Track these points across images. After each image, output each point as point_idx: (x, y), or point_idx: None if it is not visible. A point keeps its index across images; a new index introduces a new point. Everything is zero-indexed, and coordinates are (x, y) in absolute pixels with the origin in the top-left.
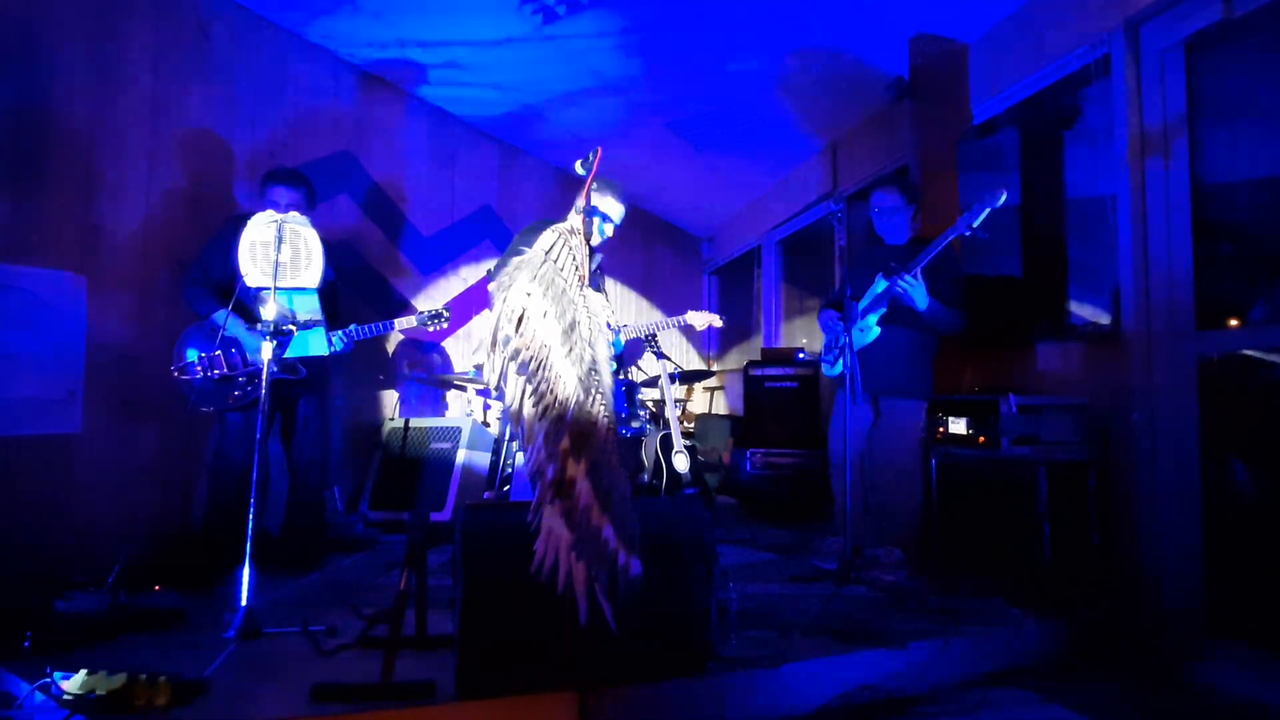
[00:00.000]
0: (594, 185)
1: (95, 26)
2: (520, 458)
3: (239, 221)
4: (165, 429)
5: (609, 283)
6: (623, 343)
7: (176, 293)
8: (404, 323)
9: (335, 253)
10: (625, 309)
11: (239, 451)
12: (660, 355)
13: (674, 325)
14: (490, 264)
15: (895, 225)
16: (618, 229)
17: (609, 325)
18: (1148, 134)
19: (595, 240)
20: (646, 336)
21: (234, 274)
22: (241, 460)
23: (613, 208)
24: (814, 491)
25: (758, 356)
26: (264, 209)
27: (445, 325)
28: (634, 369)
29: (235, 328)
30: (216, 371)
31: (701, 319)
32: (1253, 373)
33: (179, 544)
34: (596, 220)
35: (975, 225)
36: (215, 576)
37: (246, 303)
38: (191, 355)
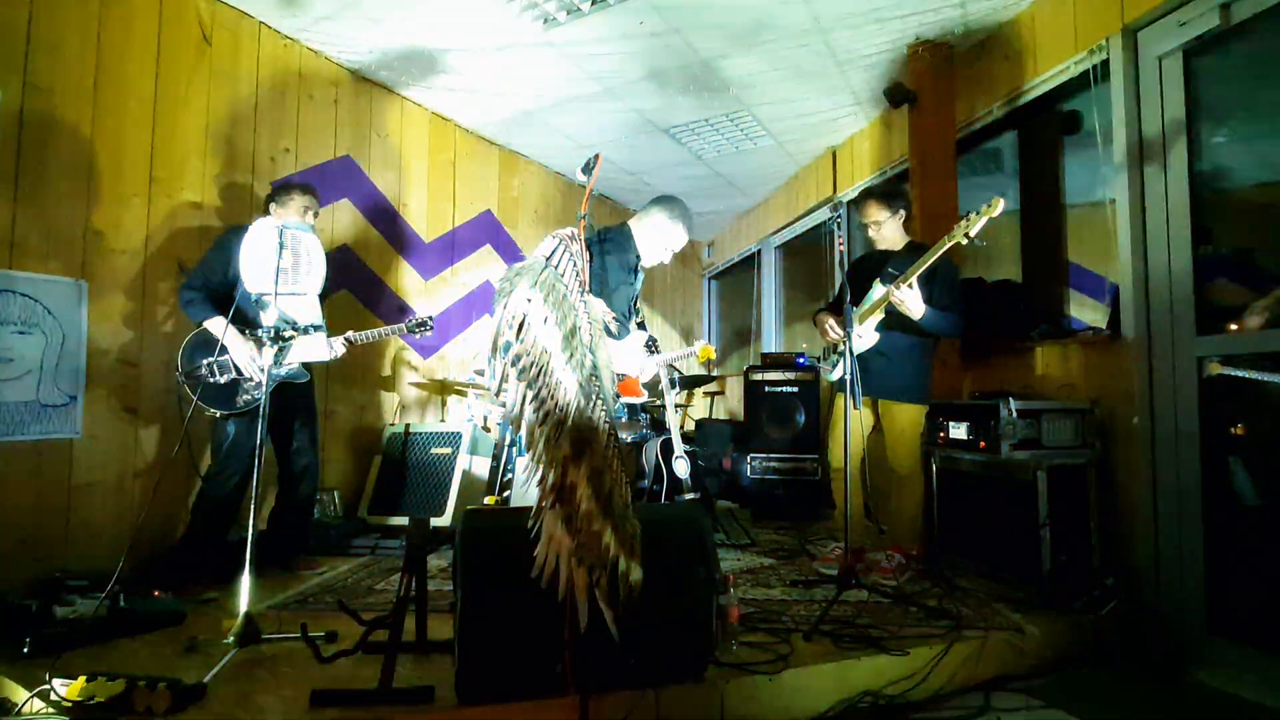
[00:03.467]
0: (656, 206)
1: (97, 32)
2: (521, 463)
3: (234, 232)
4: (165, 434)
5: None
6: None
7: (176, 299)
8: (385, 331)
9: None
10: None
11: (242, 457)
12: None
13: (688, 356)
14: (491, 269)
15: (884, 234)
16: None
17: (651, 343)
18: (1146, 139)
19: (646, 262)
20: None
21: (234, 282)
22: (244, 467)
23: (675, 234)
24: (814, 496)
25: (757, 361)
26: (284, 219)
27: (430, 333)
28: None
29: (228, 335)
30: (225, 376)
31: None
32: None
33: (177, 549)
34: (657, 245)
35: (972, 233)
36: (206, 579)
37: (245, 310)
38: (199, 360)
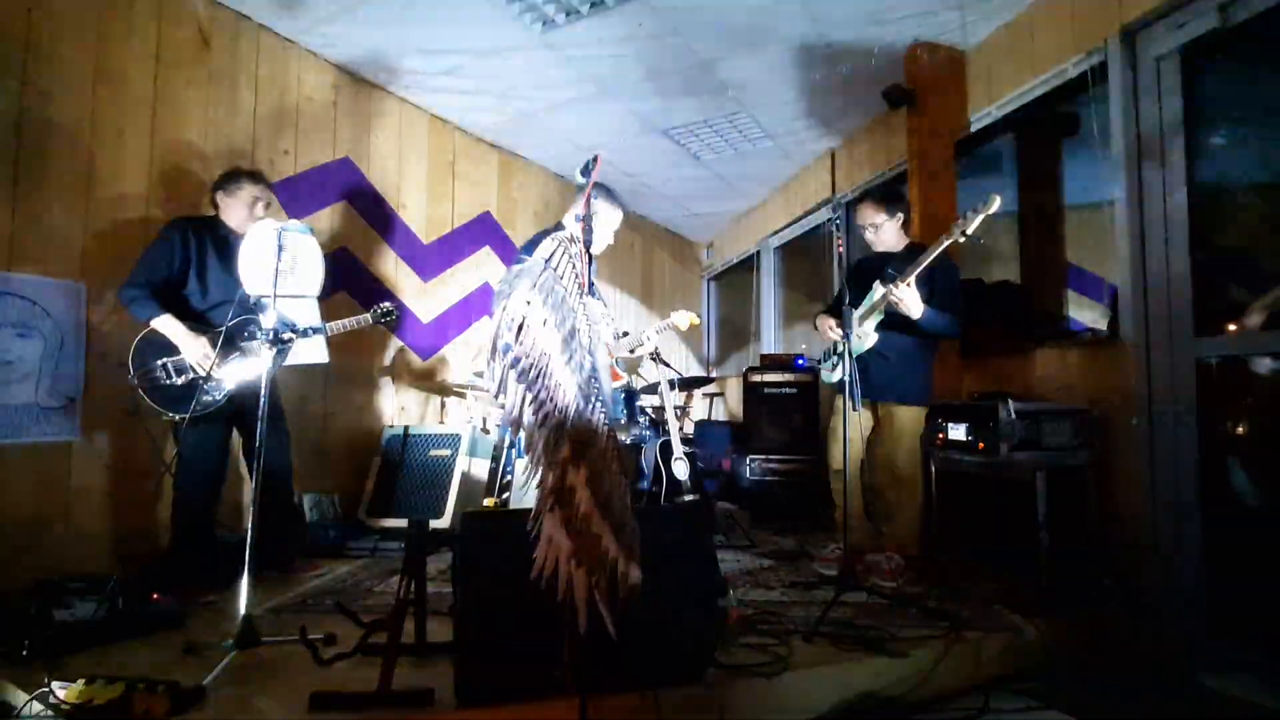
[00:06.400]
0: (591, 193)
1: (96, 34)
2: (520, 465)
3: (178, 225)
4: (164, 435)
5: (604, 289)
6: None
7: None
8: (352, 322)
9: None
10: (625, 315)
11: (205, 461)
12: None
13: (665, 329)
14: (490, 271)
15: (882, 237)
16: (615, 234)
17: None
18: (1145, 140)
19: (597, 249)
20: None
21: (176, 278)
22: (209, 470)
23: (609, 214)
24: (814, 497)
25: (756, 362)
26: (232, 208)
27: (395, 319)
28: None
29: (177, 333)
30: (182, 377)
31: (683, 319)
32: (1251, 377)
33: (167, 556)
34: (603, 233)
35: (970, 232)
36: (205, 582)
37: (194, 306)
38: (150, 361)
